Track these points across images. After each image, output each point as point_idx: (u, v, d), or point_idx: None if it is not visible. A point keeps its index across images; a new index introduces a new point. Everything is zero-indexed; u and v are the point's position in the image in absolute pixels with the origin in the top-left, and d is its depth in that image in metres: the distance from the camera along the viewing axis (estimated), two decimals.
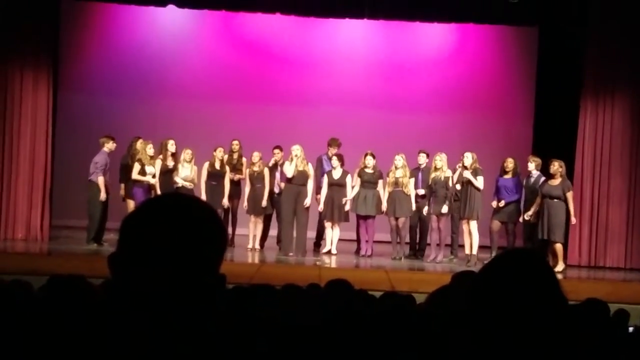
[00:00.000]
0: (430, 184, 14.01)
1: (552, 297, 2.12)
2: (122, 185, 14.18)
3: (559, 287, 2.15)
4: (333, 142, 14.66)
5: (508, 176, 13.99)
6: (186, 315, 1.67)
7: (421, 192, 14.15)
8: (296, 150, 13.93)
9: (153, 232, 1.67)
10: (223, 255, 1.76)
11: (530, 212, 13.58)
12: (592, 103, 14.94)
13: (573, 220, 13.57)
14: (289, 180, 13.94)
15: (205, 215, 1.73)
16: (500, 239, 13.96)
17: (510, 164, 14.03)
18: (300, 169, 13.88)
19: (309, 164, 14.11)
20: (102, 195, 13.67)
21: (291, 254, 13.80)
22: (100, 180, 13.66)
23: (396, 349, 3.39)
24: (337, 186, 14.18)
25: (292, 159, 13.91)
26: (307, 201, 13.89)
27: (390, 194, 14.08)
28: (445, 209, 13.79)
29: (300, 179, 13.89)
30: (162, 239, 1.66)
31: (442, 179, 13.89)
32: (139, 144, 14.14)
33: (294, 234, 13.98)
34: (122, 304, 1.67)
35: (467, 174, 13.67)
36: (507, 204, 13.86)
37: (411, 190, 14.06)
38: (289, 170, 13.86)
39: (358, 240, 14.67)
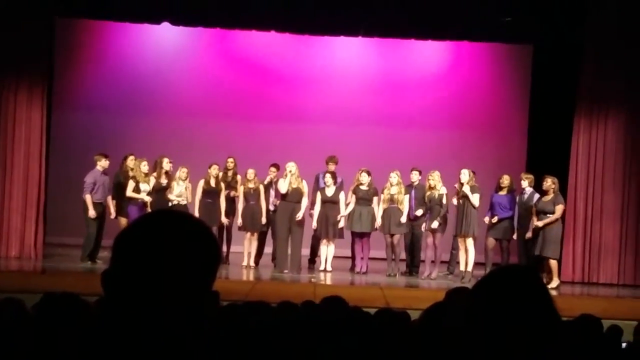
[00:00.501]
0: (425, 201, 14.04)
1: (545, 314, 2.13)
2: (114, 203, 14.16)
3: (553, 303, 2.16)
4: (331, 160, 14.67)
5: (503, 192, 14.03)
6: (181, 333, 1.67)
7: (419, 212, 14.16)
8: (291, 167, 13.95)
9: (146, 249, 1.67)
10: (217, 271, 1.76)
11: (529, 234, 13.63)
12: (586, 120, 15.00)
13: (549, 220, 13.51)
14: (283, 197, 13.95)
15: (198, 232, 1.74)
16: (495, 255, 13.98)
17: (506, 180, 14.07)
18: (294, 186, 13.89)
19: (304, 181, 14.13)
20: (91, 213, 13.68)
21: (286, 271, 13.80)
22: (87, 199, 13.69)
23: None
24: (331, 203, 14.19)
25: (286, 176, 13.93)
26: (300, 214, 13.90)
27: (385, 210, 14.10)
28: (435, 224, 13.83)
29: (294, 196, 13.91)
30: (156, 256, 1.66)
31: (437, 196, 13.93)
32: (130, 161, 14.17)
33: (289, 251, 13.99)
34: (115, 321, 1.67)
35: (466, 189, 13.69)
36: (500, 220, 13.88)
37: (405, 207, 14.07)
38: (283, 186, 13.88)
39: (353, 257, 14.66)
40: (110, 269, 1.71)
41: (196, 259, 1.69)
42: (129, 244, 1.70)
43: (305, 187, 14.09)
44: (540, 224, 13.42)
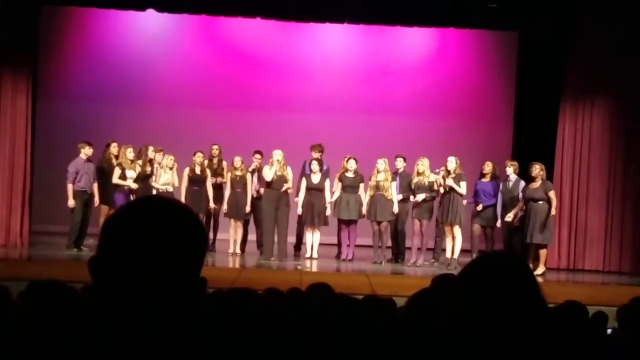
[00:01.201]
0: (412, 188, 14.06)
1: (531, 300, 2.14)
2: (98, 190, 14.14)
3: (539, 289, 2.17)
4: (315, 147, 14.66)
5: (486, 179, 14.06)
6: (168, 319, 1.67)
7: (399, 197, 14.17)
8: (277, 155, 13.94)
9: (133, 235, 1.67)
10: (204, 258, 1.76)
11: (510, 214, 13.65)
12: (572, 107, 15.04)
13: (553, 211, 13.59)
14: (268, 185, 13.94)
15: (185, 218, 1.73)
16: (480, 243, 14.02)
17: (487, 167, 14.10)
18: (279, 173, 13.88)
19: (288, 168, 14.12)
20: (70, 202, 13.77)
21: (273, 258, 13.82)
22: (69, 188, 13.71)
23: (378, 353, 3.39)
24: (316, 191, 14.19)
25: (272, 164, 13.92)
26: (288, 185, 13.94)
27: (371, 197, 14.11)
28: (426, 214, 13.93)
29: (279, 183, 13.90)
30: (143, 242, 1.66)
31: (427, 183, 13.95)
32: (113, 148, 14.21)
33: (275, 239, 14.00)
34: (102, 307, 1.67)
35: (450, 182, 13.71)
36: (484, 208, 13.92)
37: (393, 195, 14.08)
38: (268, 174, 13.87)
39: (339, 244, 14.67)
40: (98, 256, 1.70)
41: (183, 245, 1.69)
42: (116, 230, 1.70)
43: (290, 175, 14.09)
44: (553, 211, 13.41)
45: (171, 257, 1.66)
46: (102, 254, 1.70)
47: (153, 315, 1.66)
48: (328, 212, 14.26)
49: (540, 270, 13.33)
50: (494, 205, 14.00)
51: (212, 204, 14.42)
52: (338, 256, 14.57)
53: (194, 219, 1.75)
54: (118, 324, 1.65)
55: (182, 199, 13.91)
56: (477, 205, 13.92)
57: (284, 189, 13.92)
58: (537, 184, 13.55)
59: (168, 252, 1.66)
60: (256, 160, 14.65)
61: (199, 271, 1.73)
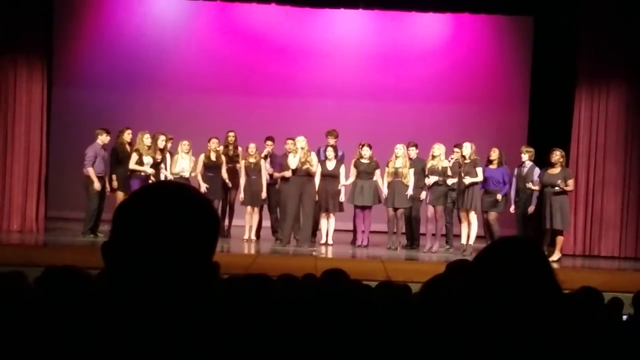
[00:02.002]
0: (426, 173, 14.01)
1: (546, 286, 2.13)
2: (113, 176, 14.13)
3: (554, 275, 2.16)
4: (331, 134, 14.62)
5: (493, 166, 13.85)
6: (179, 304, 1.67)
7: (431, 181, 14.03)
8: (301, 142, 13.88)
9: (146, 220, 1.67)
10: (216, 242, 1.76)
11: (532, 207, 13.63)
12: (587, 92, 14.97)
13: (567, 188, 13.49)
14: (293, 172, 13.86)
15: (197, 203, 1.73)
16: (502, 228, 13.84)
17: (494, 153, 13.87)
18: (304, 160, 13.81)
19: (312, 154, 14.07)
20: (96, 185, 13.67)
21: (294, 244, 13.78)
22: (90, 172, 13.67)
23: (392, 339, 3.39)
24: (331, 177, 14.16)
25: (296, 151, 13.86)
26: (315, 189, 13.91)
27: (389, 184, 14.07)
28: (424, 194, 13.95)
29: (304, 170, 13.84)
30: (155, 227, 1.66)
31: (440, 168, 13.90)
32: (127, 135, 14.16)
33: (300, 224, 13.95)
34: (117, 293, 1.68)
35: (468, 180, 13.55)
36: (490, 193, 13.75)
37: (410, 181, 14.03)
38: (293, 162, 13.82)
39: (354, 231, 14.66)
40: (111, 240, 1.71)
41: (196, 230, 1.69)
42: (129, 215, 1.70)
43: (315, 161, 14.01)
44: (562, 185, 13.27)
45: (183, 242, 1.67)
46: (114, 239, 1.70)
47: (164, 300, 1.66)
48: (342, 198, 14.24)
49: (555, 256, 13.27)
50: (506, 192, 13.88)
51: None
52: (353, 242, 14.56)
53: (206, 204, 1.75)
54: (130, 308, 1.65)
55: (199, 186, 13.96)
56: (495, 194, 13.69)
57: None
58: (556, 170, 13.42)
59: (179, 237, 1.66)
60: (268, 147, 14.64)
61: (211, 256, 1.73)
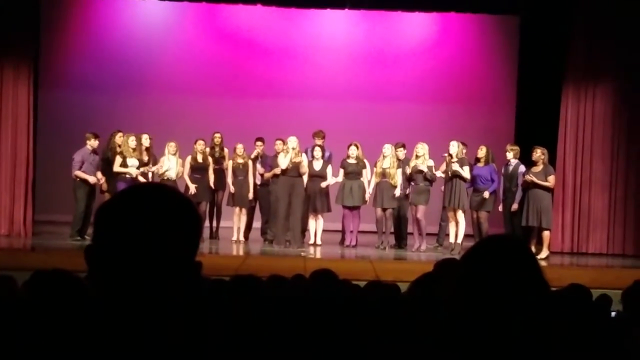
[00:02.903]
0: (410, 172, 14.02)
1: (534, 283, 2.14)
2: (104, 179, 14.11)
3: (542, 273, 2.17)
4: (318, 135, 14.63)
5: (481, 164, 13.93)
6: (164, 303, 1.68)
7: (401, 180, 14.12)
8: (292, 142, 13.86)
9: (127, 222, 1.68)
10: (198, 242, 1.77)
11: (515, 205, 13.67)
12: (574, 91, 15.01)
13: (547, 184, 13.56)
14: (283, 172, 13.85)
15: (178, 203, 1.74)
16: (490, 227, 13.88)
17: (481, 151, 13.97)
18: (295, 160, 13.80)
19: (303, 155, 14.06)
20: (91, 180, 13.68)
21: (283, 246, 13.77)
22: (80, 174, 13.68)
23: (381, 338, 3.40)
24: (318, 177, 14.16)
25: (287, 151, 13.84)
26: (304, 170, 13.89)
27: (377, 184, 14.09)
28: (398, 192, 13.95)
29: (294, 170, 13.83)
30: (137, 228, 1.66)
31: (425, 169, 13.89)
32: (118, 138, 14.13)
33: (289, 226, 13.94)
34: (104, 296, 1.68)
35: (456, 167, 13.61)
36: (479, 192, 13.81)
37: (398, 181, 14.05)
38: (284, 162, 13.80)
39: (343, 231, 14.66)
40: (93, 244, 1.71)
41: (177, 230, 1.70)
42: (110, 217, 1.71)
43: (305, 161, 14.00)
44: (530, 178, 13.32)
45: (165, 242, 1.67)
46: (97, 243, 1.70)
47: (151, 301, 1.66)
48: (324, 184, 14.20)
49: (544, 254, 13.33)
50: (495, 190, 13.92)
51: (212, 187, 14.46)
52: (342, 242, 14.57)
53: (186, 203, 1.76)
54: (115, 311, 1.66)
55: (185, 187, 13.96)
56: (482, 192, 13.75)
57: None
58: (538, 168, 13.51)
59: (161, 238, 1.67)
60: (258, 148, 14.64)
61: (193, 255, 1.74)
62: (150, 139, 14.16)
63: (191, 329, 1.74)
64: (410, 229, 14.45)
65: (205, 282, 4.41)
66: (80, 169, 13.74)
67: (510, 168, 13.96)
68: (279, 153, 14.04)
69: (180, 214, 1.72)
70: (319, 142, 14.48)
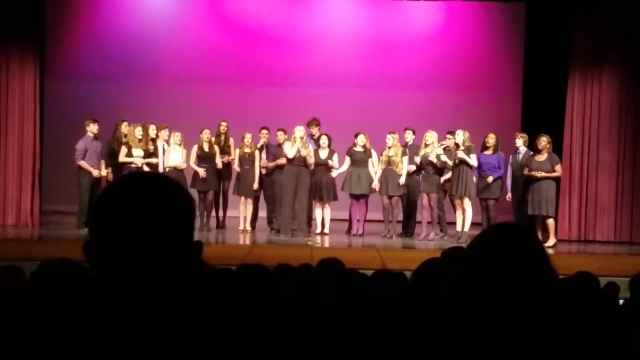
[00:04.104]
0: (421, 161, 13.99)
1: (541, 271, 2.13)
2: (110, 169, 14.11)
3: (549, 261, 2.16)
4: (313, 122, 14.61)
5: (489, 152, 13.87)
6: (175, 287, 1.69)
7: (412, 167, 14.10)
8: (299, 131, 13.81)
9: (118, 214, 1.69)
10: (192, 222, 1.78)
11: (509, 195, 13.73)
12: (580, 77, 14.96)
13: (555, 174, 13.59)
14: (289, 161, 13.83)
15: (166, 186, 1.75)
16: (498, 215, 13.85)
17: (491, 139, 13.90)
18: (303, 154, 13.77)
19: (310, 145, 14.04)
20: (94, 173, 13.68)
21: (289, 235, 13.76)
22: (83, 164, 13.70)
23: (387, 328, 3.40)
24: (324, 166, 14.15)
25: (294, 140, 13.81)
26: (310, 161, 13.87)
27: (383, 172, 14.06)
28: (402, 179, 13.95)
29: (301, 159, 13.81)
30: (129, 219, 1.67)
31: (435, 159, 13.84)
32: (123, 127, 14.12)
33: (294, 215, 13.93)
34: (111, 285, 1.68)
35: (461, 154, 13.55)
36: (494, 180, 13.80)
37: (403, 169, 14.03)
38: (290, 151, 13.76)
39: (350, 220, 14.66)
40: (91, 240, 1.72)
41: (170, 212, 1.70)
42: (102, 211, 1.71)
43: (312, 151, 14.00)
44: (539, 174, 13.32)
45: (158, 226, 1.68)
46: (93, 238, 1.71)
47: (157, 287, 1.67)
48: (334, 173, 14.22)
49: (551, 242, 13.31)
50: (501, 177, 13.89)
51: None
52: (349, 231, 14.56)
53: (175, 186, 1.76)
54: (121, 299, 1.66)
55: (193, 175, 14.01)
56: (487, 178, 13.75)
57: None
58: (543, 156, 13.47)
59: (154, 222, 1.68)
60: (263, 137, 14.64)
61: (191, 237, 1.75)
62: (159, 129, 14.15)
63: (195, 310, 1.75)
64: (418, 217, 14.42)
65: (207, 265, 4.41)
66: (83, 158, 13.75)
67: (520, 156, 13.93)
68: (282, 143, 14.04)
69: (169, 195, 1.73)
70: (314, 130, 14.47)
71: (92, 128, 13.95)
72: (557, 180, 13.73)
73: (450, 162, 13.73)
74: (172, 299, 1.69)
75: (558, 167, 13.54)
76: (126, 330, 1.65)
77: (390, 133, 14.12)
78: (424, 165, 13.95)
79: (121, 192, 1.73)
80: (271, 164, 14.30)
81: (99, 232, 1.71)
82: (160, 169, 13.81)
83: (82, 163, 13.72)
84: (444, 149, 13.91)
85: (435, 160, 13.81)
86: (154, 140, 14.04)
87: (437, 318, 2.42)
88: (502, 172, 13.85)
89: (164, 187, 1.75)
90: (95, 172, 13.71)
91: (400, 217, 14.59)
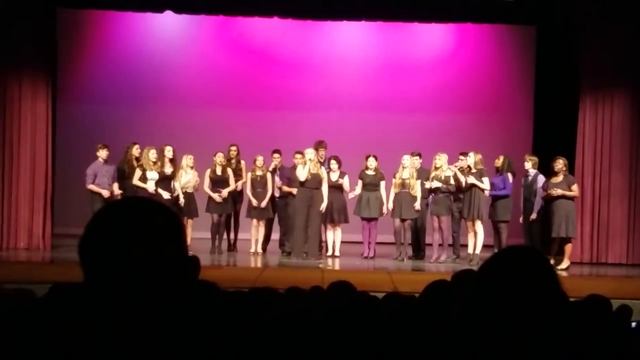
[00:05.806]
0: (430, 186, 13.97)
1: (552, 294, 2.13)
2: (120, 193, 14.13)
3: (559, 283, 2.16)
4: (320, 145, 14.63)
5: (498, 173, 14.03)
6: (175, 307, 1.69)
7: (436, 184, 13.94)
8: (310, 154, 13.85)
9: (105, 246, 1.69)
10: (183, 238, 1.78)
11: (534, 215, 13.61)
12: (592, 99, 14.95)
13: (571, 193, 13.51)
14: (302, 184, 13.83)
15: (150, 207, 1.75)
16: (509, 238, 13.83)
17: (498, 161, 14.14)
18: (314, 172, 13.80)
19: (322, 167, 14.06)
20: (104, 193, 13.69)
21: (302, 257, 13.72)
22: (92, 188, 13.75)
23: (397, 349, 3.39)
24: (335, 188, 14.16)
25: (305, 163, 13.83)
26: (323, 206, 13.83)
27: (396, 195, 14.03)
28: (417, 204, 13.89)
29: (313, 182, 13.82)
30: (118, 248, 1.67)
31: (443, 178, 13.86)
32: (135, 150, 14.19)
33: (307, 238, 13.90)
34: (114, 306, 1.69)
35: (471, 179, 13.56)
36: (495, 201, 13.78)
37: (417, 192, 13.98)
38: (302, 174, 13.78)
39: (364, 243, 14.61)
40: (84, 281, 1.72)
41: (158, 235, 1.70)
42: (88, 248, 1.71)
43: (324, 173, 14.01)
44: (556, 192, 13.27)
45: (150, 251, 1.67)
46: (86, 278, 1.71)
47: (160, 308, 1.67)
48: (351, 195, 14.24)
49: (565, 264, 13.26)
50: (504, 197, 13.84)
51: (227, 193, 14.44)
52: (361, 254, 14.51)
53: (159, 205, 1.77)
54: (132, 325, 1.66)
55: (209, 199, 14.03)
56: (494, 199, 13.77)
57: (322, 210, 13.85)
58: (559, 178, 13.43)
59: (144, 250, 1.67)
60: (275, 160, 14.66)
61: (185, 253, 1.74)
62: (173, 151, 14.13)
63: (206, 336, 1.75)
64: (428, 239, 14.39)
65: (217, 288, 4.41)
66: (93, 182, 13.81)
67: (530, 179, 13.91)
68: (296, 166, 14.05)
69: (154, 215, 1.73)
70: (322, 152, 14.49)
71: (102, 154, 14.00)
72: (574, 200, 13.65)
73: (463, 182, 13.72)
74: (169, 309, 1.69)
75: (574, 187, 13.49)
76: (136, 347, 1.65)
77: (406, 154, 14.10)
78: (434, 188, 13.94)
79: (104, 217, 1.73)
80: (286, 188, 14.31)
81: (89, 269, 1.71)
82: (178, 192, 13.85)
83: (92, 187, 13.78)
84: (458, 169, 13.91)
85: (441, 186, 13.78)
86: (172, 160, 14.03)
87: (442, 337, 2.41)
88: (505, 192, 13.83)
89: (148, 206, 1.75)
90: (105, 193, 13.73)
91: (411, 239, 14.55)
